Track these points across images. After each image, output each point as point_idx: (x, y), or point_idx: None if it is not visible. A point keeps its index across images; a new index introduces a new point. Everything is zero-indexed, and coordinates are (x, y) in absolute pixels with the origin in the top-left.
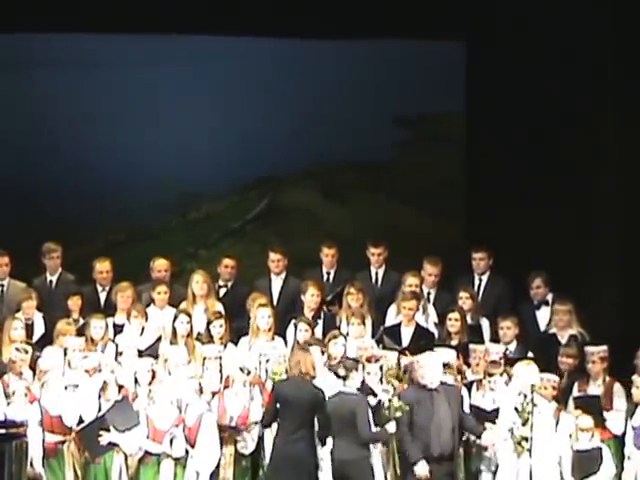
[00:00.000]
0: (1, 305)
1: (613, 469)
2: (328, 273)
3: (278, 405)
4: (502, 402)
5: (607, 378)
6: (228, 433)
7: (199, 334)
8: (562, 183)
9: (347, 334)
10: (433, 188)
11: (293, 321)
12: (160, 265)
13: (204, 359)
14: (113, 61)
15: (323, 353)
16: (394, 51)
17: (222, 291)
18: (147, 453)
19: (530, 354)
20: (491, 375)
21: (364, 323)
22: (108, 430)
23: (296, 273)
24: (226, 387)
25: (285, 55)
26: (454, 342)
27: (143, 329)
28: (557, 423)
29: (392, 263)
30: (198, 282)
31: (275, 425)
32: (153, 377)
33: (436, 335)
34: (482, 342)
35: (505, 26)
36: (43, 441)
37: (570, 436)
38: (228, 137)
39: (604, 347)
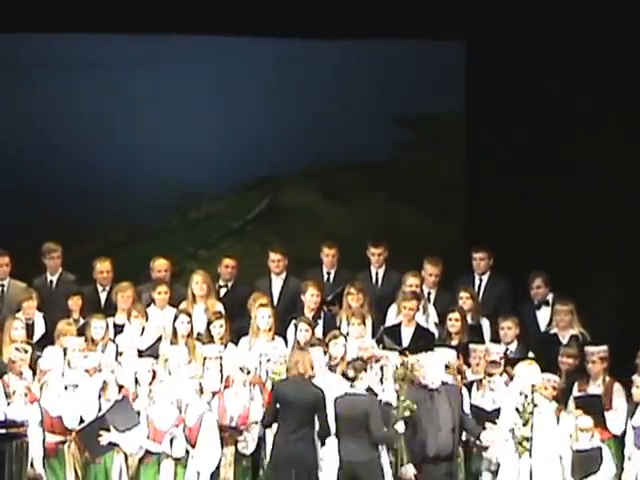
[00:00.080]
0: (1, 305)
1: (613, 469)
2: (328, 273)
3: (278, 405)
4: (503, 402)
5: (607, 378)
6: (228, 433)
7: (199, 334)
8: (562, 183)
9: (347, 334)
10: (433, 188)
11: (293, 321)
12: (160, 265)
13: (204, 359)
14: (113, 61)
15: (325, 353)
16: (394, 51)
17: (222, 291)
18: (147, 452)
19: (531, 354)
20: (491, 375)
21: (364, 323)
22: (108, 430)
23: (296, 273)
24: (226, 387)
25: (285, 55)
26: (454, 342)
27: (143, 329)
28: (557, 423)
29: (392, 263)
30: (198, 282)
31: (275, 425)
32: (153, 377)
33: (436, 335)
34: (482, 342)
35: (505, 26)
36: (43, 441)
37: (570, 436)
38: (228, 137)
39: (604, 347)
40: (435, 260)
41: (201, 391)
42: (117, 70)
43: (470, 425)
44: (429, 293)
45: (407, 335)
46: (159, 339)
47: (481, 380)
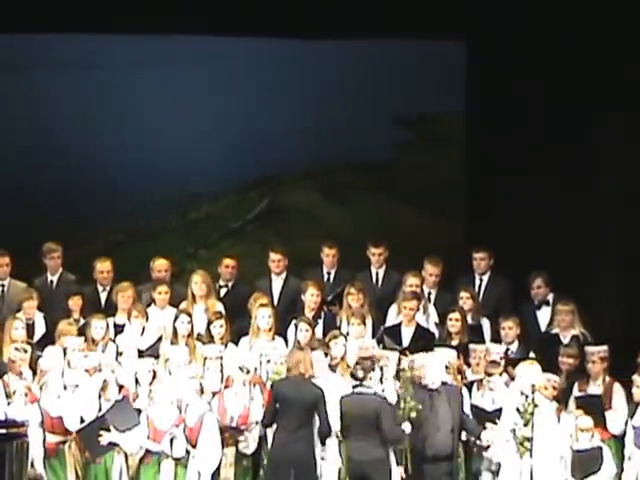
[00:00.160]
0: (2, 305)
1: (614, 469)
2: (329, 273)
3: (277, 404)
4: (504, 403)
5: (607, 378)
6: (229, 433)
7: (199, 334)
8: (562, 183)
9: (347, 334)
10: (433, 188)
11: (294, 321)
12: (160, 265)
13: (205, 359)
14: (113, 61)
15: (326, 355)
16: (394, 51)
17: (223, 291)
18: (148, 452)
19: (532, 354)
20: (490, 375)
21: (364, 323)
22: (108, 430)
23: (296, 273)
24: (226, 387)
25: (285, 55)
26: (454, 342)
27: (144, 329)
28: (558, 423)
29: (392, 263)
30: (197, 283)
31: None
32: (154, 377)
33: (437, 335)
34: (483, 342)
35: (505, 26)
36: (44, 441)
37: (570, 436)
38: (228, 137)
39: (604, 347)
40: (435, 260)
41: (201, 391)
42: (117, 70)
43: (471, 425)
44: (429, 293)
45: (407, 335)
46: (159, 339)
47: (481, 380)
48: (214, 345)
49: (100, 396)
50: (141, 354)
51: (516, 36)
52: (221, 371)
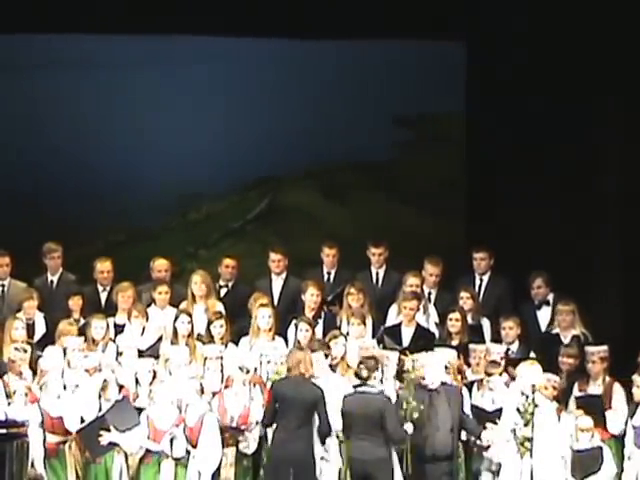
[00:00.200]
0: (2, 305)
1: (614, 469)
2: (329, 273)
3: (277, 404)
4: (504, 403)
5: (607, 378)
6: (230, 433)
7: (199, 334)
8: (562, 183)
9: (347, 334)
10: (433, 188)
11: (294, 321)
12: (160, 265)
13: (205, 359)
14: (113, 61)
15: (327, 356)
16: (394, 51)
17: (223, 291)
18: (148, 452)
19: (532, 354)
20: (490, 375)
21: (364, 323)
22: (108, 430)
23: (297, 273)
24: (226, 387)
25: (285, 55)
26: (455, 342)
27: (144, 329)
28: (558, 423)
29: (393, 263)
30: (197, 283)
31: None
32: (154, 377)
33: (437, 335)
34: (483, 342)
35: (505, 26)
36: (44, 441)
37: (570, 436)
38: (228, 137)
39: (604, 347)
40: (435, 260)
41: (202, 391)
42: (117, 70)
43: (471, 425)
44: (429, 293)
45: (407, 335)
46: (159, 339)
47: (481, 380)
48: (214, 345)
49: (100, 396)
50: (141, 354)
51: (516, 36)
52: (221, 371)
